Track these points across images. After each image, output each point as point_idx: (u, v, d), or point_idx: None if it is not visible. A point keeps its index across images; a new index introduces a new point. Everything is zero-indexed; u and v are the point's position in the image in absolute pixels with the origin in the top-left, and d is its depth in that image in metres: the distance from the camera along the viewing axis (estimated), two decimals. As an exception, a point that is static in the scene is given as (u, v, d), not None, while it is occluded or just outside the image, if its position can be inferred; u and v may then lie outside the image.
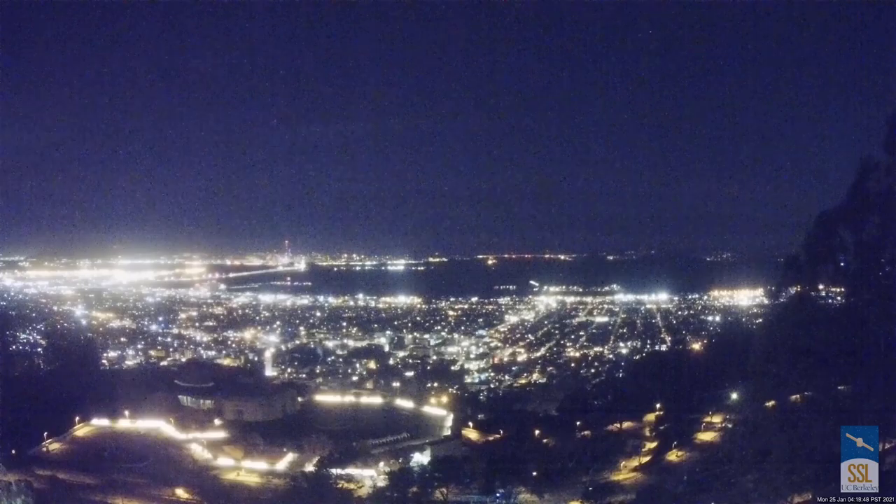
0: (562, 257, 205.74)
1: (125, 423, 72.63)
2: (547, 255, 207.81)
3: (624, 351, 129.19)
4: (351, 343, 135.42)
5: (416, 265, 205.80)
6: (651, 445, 66.26)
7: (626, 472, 60.98)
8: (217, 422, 77.21)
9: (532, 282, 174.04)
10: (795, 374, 48.35)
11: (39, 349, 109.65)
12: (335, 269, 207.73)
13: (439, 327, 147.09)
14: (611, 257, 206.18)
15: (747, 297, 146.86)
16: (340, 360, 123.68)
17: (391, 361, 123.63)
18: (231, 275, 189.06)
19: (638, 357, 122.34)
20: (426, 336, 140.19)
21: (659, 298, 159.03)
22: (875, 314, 42.51)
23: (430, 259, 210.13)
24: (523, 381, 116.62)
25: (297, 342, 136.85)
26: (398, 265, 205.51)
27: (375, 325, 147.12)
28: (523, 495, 56.12)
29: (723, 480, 51.30)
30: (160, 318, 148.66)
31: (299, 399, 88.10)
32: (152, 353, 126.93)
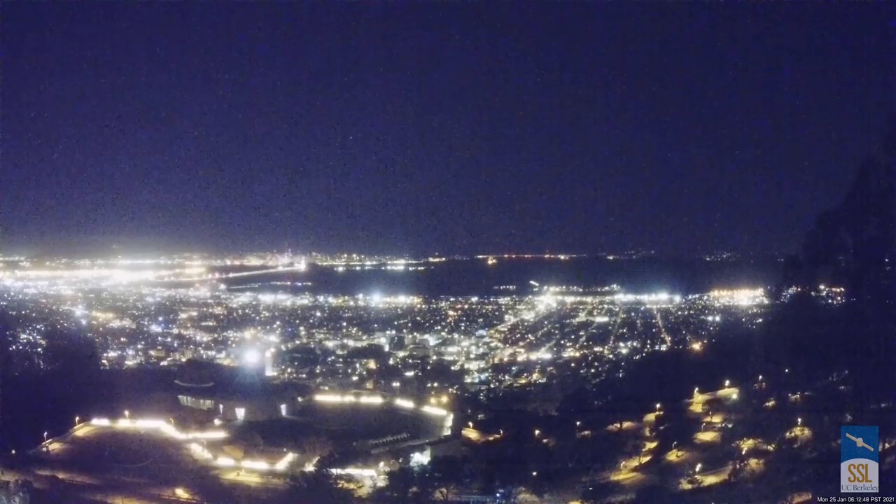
0: (562, 257, 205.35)
1: (125, 423, 72.57)
2: (547, 255, 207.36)
3: (624, 351, 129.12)
4: (351, 343, 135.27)
5: (416, 265, 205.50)
6: (651, 445, 66.23)
7: (626, 472, 60.95)
8: (217, 422, 77.09)
9: (532, 282, 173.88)
10: (795, 374, 48.50)
11: (39, 349, 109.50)
12: (335, 269, 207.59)
13: (439, 327, 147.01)
14: (611, 257, 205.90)
15: (747, 298, 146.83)
16: (340, 360, 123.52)
17: (391, 361, 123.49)
18: (231, 275, 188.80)
19: (638, 357, 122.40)
20: (426, 336, 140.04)
21: (659, 298, 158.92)
22: (875, 314, 42.57)
23: (430, 259, 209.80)
24: (523, 381, 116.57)
25: (297, 342, 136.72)
26: (398, 265, 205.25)
27: (375, 325, 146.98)
28: (523, 495, 56.06)
29: (723, 481, 51.49)
30: (160, 319, 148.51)
31: (299, 399, 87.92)
32: (152, 353, 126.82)
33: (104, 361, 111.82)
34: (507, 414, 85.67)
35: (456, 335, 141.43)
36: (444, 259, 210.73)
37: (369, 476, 60.09)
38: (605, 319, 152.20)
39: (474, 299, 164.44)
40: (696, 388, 78.20)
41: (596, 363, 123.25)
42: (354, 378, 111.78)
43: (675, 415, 71.97)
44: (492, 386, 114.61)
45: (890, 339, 40.68)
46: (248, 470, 63.05)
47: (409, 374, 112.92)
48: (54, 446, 65.83)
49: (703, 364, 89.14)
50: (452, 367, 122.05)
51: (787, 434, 49.22)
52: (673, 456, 62.08)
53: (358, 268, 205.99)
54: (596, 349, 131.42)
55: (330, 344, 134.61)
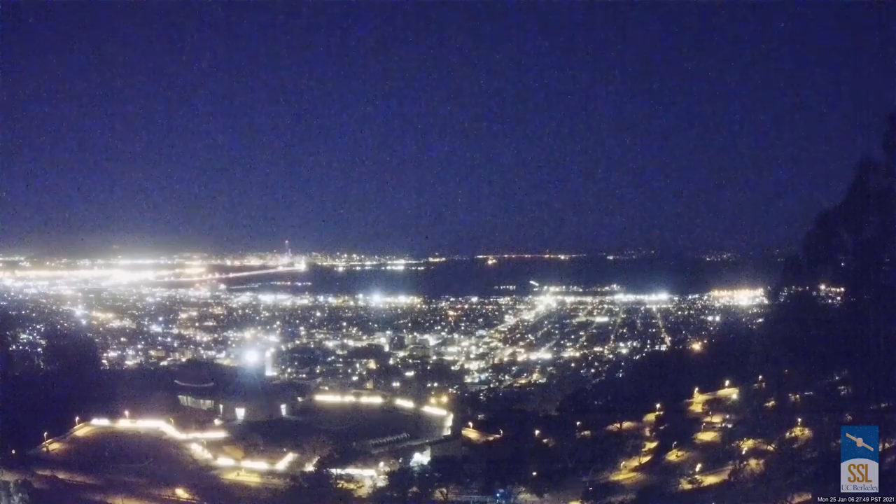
0: (562, 257, 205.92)
1: (125, 423, 72.68)
2: (547, 255, 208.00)
3: (624, 351, 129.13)
4: (351, 343, 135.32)
5: (416, 265, 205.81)
6: (651, 445, 66.20)
7: (626, 472, 60.93)
8: (217, 422, 77.19)
9: (532, 282, 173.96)
10: (795, 374, 48.48)
11: (39, 349, 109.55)
12: (335, 269, 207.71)
13: (439, 327, 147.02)
14: (611, 257, 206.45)
15: (747, 297, 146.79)
16: (340, 360, 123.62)
17: (391, 361, 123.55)
18: (231, 275, 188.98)
19: (638, 357, 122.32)
20: (426, 336, 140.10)
21: (659, 298, 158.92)
22: (875, 314, 42.52)
23: (430, 259, 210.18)
24: (523, 381, 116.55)
25: (297, 342, 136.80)
26: (398, 265, 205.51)
27: (375, 325, 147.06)
28: (523, 495, 56.07)
29: (723, 481, 51.44)
30: (160, 318, 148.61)
31: (299, 399, 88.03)
32: (152, 353, 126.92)
33: (104, 361, 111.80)
34: (507, 414, 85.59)
35: (456, 335, 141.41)
36: (444, 259, 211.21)
37: (369, 476, 60.11)
38: (604, 319, 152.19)
39: (474, 299, 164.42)
40: (696, 388, 78.22)
41: (596, 363, 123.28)
42: (354, 378, 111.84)
43: (675, 415, 71.95)
44: (492, 386, 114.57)
45: (890, 339, 40.61)
46: (248, 470, 63.10)
47: (409, 374, 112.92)
48: (54, 446, 65.86)
49: (703, 364, 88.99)
50: (452, 367, 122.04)
51: (787, 434, 49.10)
52: (673, 456, 62.04)
53: (358, 268, 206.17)
54: (596, 349, 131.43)
55: (330, 344, 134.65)
